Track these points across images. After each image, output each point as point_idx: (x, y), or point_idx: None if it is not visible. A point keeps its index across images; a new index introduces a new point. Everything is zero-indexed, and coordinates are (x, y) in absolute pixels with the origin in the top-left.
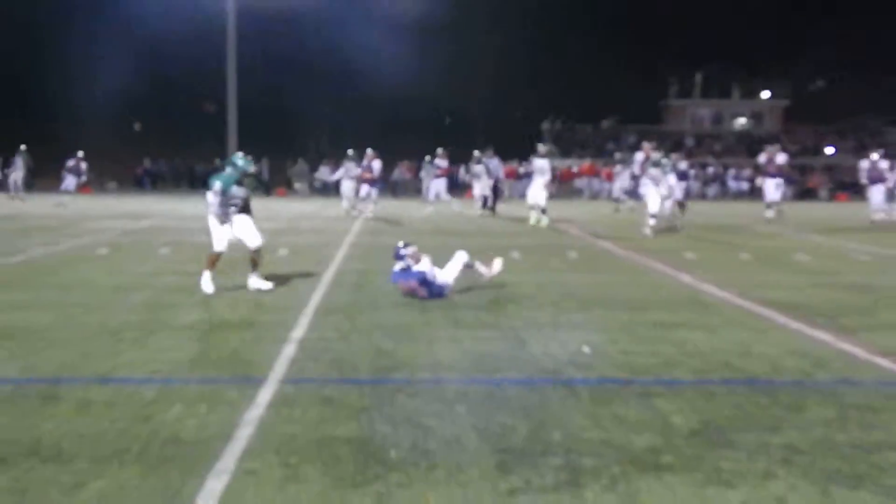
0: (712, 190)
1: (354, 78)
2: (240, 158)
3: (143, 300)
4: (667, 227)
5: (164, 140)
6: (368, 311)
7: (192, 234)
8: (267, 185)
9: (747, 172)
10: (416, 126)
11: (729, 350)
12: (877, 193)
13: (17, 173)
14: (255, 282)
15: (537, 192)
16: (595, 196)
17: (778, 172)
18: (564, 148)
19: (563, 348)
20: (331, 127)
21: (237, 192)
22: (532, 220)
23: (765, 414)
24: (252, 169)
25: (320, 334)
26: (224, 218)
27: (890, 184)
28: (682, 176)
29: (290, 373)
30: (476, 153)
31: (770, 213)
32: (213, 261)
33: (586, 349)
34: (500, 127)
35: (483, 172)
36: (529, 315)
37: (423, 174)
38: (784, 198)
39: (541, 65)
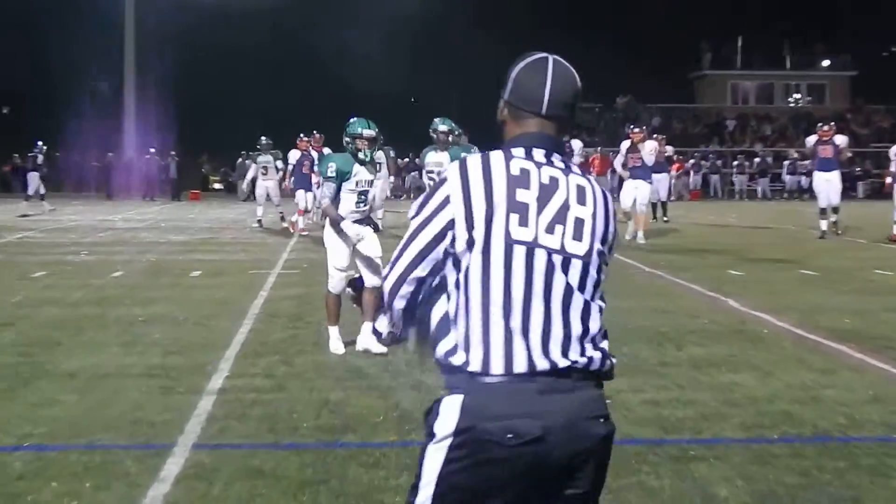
0: (761, 185)
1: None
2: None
3: (12, 340)
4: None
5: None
6: (311, 351)
7: (76, 252)
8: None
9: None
10: (376, 108)
11: (789, 397)
12: None
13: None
14: (366, 339)
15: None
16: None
17: (830, 161)
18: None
19: None
20: (267, 114)
21: (362, 175)
22: None
23: (840, 482)
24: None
25: (247, 382)
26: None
27: None
28: (659, 168)
29: (206, 435)
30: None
31: (825, 224)
32: (332, 305)
33: None
34: (477, 108)
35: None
36: None
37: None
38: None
39: (518, 19)
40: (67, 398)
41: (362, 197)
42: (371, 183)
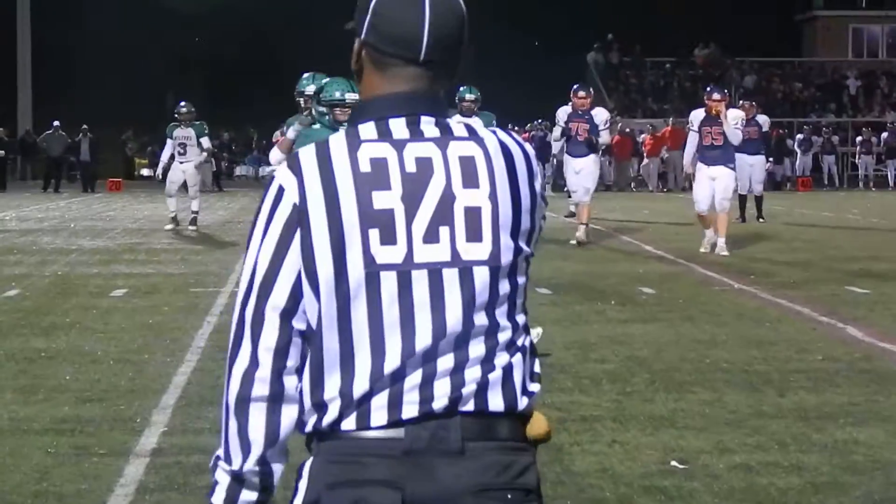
0: (893, 169)
1: None
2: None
3: None
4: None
5: None
6: None
7: None
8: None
9: None
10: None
11: None
12: None
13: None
14: None
15: (574, 178)
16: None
17: None
18: (622, 98)
19: (633, 463)
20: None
21: None
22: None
23: None
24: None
25: (190, 441)
26: None
27: None
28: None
29: None
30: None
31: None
32: None
33: (676, 464)
34: (498, 60)
35: None
36: (566, 402)
37: None
38: None
39: None
40: None
41: None
42: None
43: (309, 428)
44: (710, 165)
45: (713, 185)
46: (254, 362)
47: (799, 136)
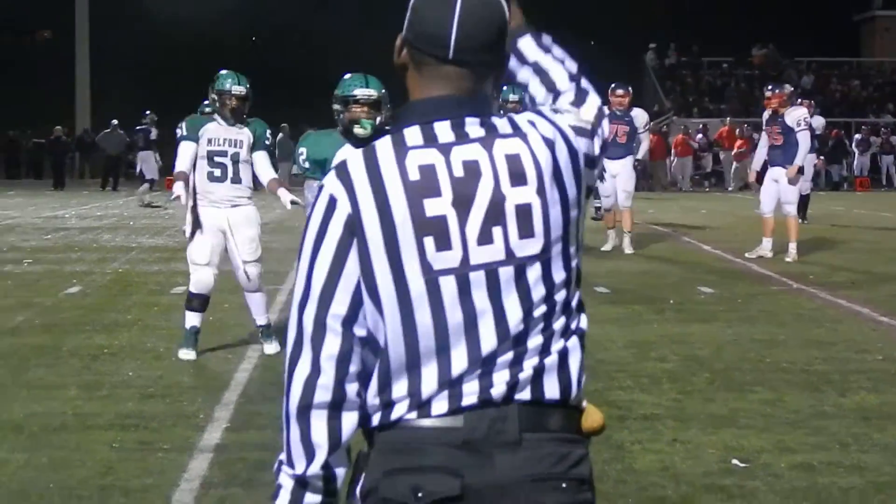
0: None
1: None
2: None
3: None
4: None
5: None
6: None
7: (16, 261)
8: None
9: None
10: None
11: None
12: None
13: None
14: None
15: (610, 182)
16: (740, 185)
17: None
18: (679, 98)
19: (694, 461)
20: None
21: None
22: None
23: None
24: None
25: (253, 437)
26: None
27: None
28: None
29: None
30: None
31: None
32: None
33: (737, 462)
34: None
35: None
36: (627, 400)
37: None
38: None
39: None
40: (12, 458)
41: None
42: None
43: (374, 423)
44: (775, 166)
45: (777, 190)
46: (315, 369)
47: (857, 136)
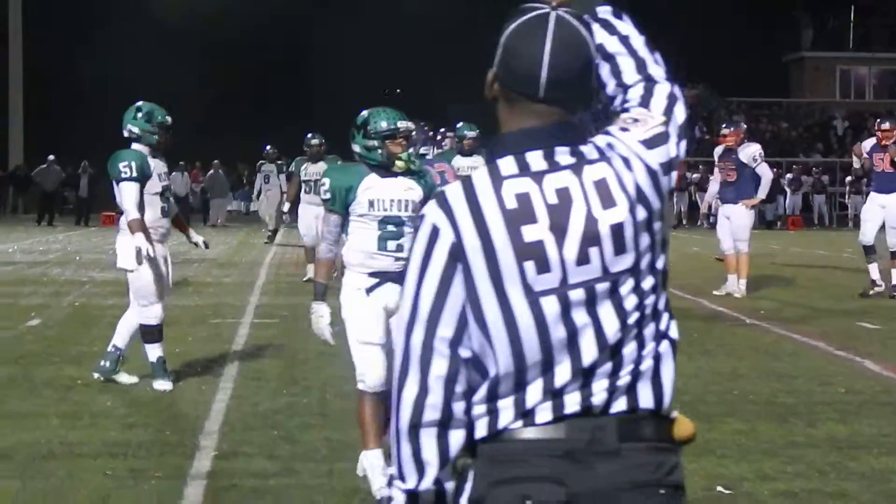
0: None
1: None
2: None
3: None
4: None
5: None
6: (318, 425)
7: None
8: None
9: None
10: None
11: None
12: None
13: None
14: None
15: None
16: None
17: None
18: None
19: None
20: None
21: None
22: None
23: None
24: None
25: (243, 465)
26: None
27: None
28: None
29: None
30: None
31: (875, 271)
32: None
33: (722, 489)
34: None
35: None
36: None
37: None
38: None
39: None
40: (9, 485)
41: (393, 230)
42: (407, 205)
43: (479, 434)
44: (725, 203)
45: (729, 225)
46: (423, 390)
47: (788, 175)
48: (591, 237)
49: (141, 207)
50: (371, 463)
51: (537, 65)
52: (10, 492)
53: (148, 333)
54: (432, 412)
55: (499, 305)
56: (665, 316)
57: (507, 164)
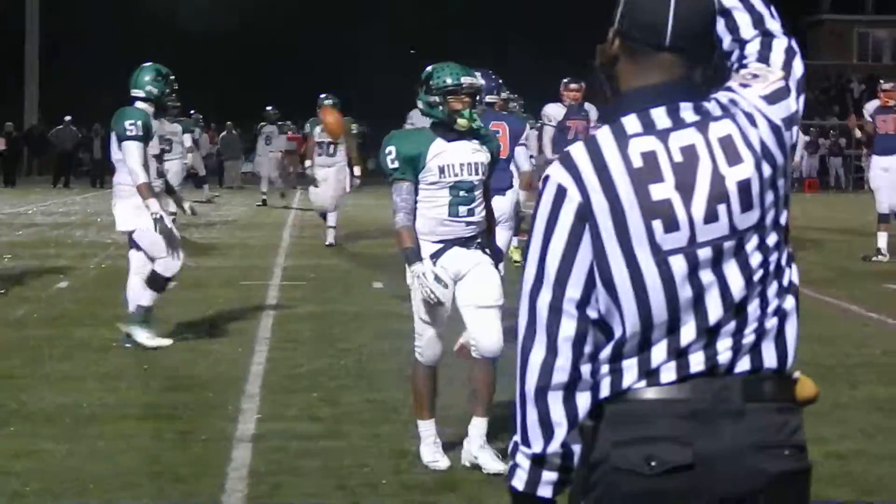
0: None
1: None
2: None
3: None
4: None
5: None
6: (357, 387)
7: None
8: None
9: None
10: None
11: None
12: None
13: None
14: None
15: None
16: None
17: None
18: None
19: None
20: None
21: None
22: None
23: None
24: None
25: (287, 427)
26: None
27: None
28: None
29: (256, 495)
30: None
31: (882, 245)
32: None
33: None
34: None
35: None
36: None
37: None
38: None
39: None
40: (56, 448)
41: (464, 195)
42: (477, 168)
43: (603, 394)
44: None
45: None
46: (552, 352)
47: (805, 137)
48: (718, 195)
49: (146, 168)
50: (423, 433)
51: (664, 13)
52: (58, 455)
53: (155, 282)
54: (561, 374)
55: (626, 265)
56: (787, 271)
57: (631, 122)
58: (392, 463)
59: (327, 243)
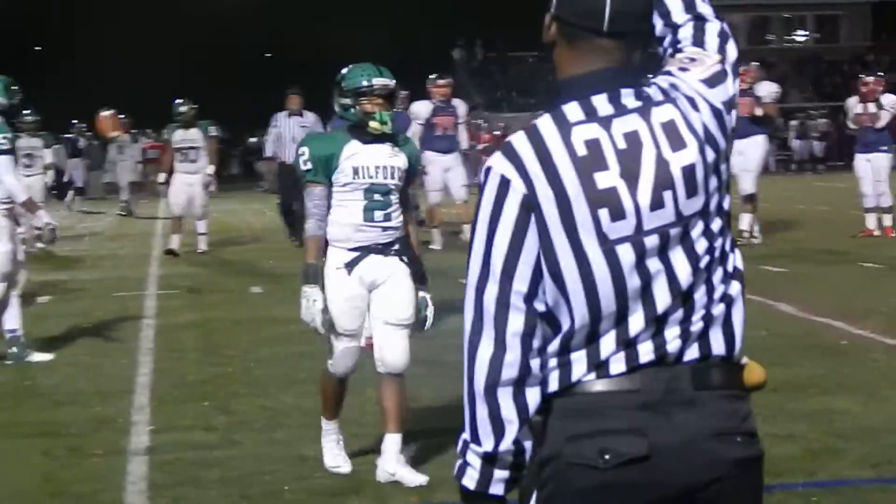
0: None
1: None
2: None
3: None
4: None
5: None
6: (248, 394)
7: None
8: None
9: (822, 124)
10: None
11: None
12: None
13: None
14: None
15: (453, 175)
16: None
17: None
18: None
19: None
20: None
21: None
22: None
23: None
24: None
25: (182, 437)
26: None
27: None
28: None
29: None
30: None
31: (745, 227)
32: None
33: None
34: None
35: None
36: None
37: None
38: None
39: None
40: None
41: (379, 199)
42: (393, 172)
43: (552, 388)
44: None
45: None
46: (501, 347)
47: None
48: (663, 181)
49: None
50: (326, 430)
51: None
52: None
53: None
54: (510, 370)
55: (574, 256)
56: (731, 256)
57: (572, 110)
58: (292, 469)
59: (200, 250)
